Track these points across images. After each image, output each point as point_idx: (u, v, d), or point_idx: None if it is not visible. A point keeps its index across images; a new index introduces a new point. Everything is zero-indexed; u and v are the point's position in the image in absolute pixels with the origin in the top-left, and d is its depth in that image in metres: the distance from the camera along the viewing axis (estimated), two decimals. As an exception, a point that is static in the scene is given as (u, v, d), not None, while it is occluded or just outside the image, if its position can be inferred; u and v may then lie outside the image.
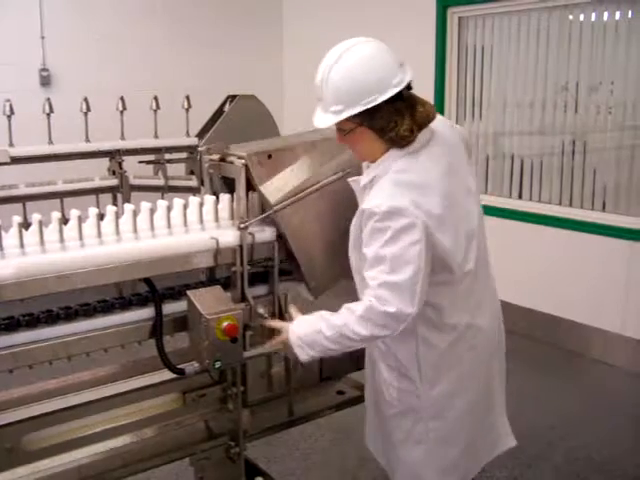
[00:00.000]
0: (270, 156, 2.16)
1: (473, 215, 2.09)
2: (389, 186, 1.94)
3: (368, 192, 2.02)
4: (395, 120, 1.93)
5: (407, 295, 1.89)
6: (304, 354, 2.05)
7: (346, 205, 2.18)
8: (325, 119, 1.98)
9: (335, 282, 2.33)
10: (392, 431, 2.23)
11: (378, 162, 2.01)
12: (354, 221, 2.05)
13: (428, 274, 1.93)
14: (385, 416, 2.24)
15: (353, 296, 2.13)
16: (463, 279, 2.05)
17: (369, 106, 1.89)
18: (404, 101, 1.95)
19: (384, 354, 2.17)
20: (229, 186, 2.27)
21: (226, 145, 2.26)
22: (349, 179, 2.16)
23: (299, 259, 2.24)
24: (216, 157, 2.26)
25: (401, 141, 1.95)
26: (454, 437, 2.19)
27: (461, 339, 2.11)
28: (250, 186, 2.18)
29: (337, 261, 2.23)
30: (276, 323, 2.18)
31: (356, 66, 1.91)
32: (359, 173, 2.17)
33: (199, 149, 2.22)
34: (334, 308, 2.38)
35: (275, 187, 2.16)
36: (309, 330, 2.03)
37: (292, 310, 2.18)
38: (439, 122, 2.10)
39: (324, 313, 2.04)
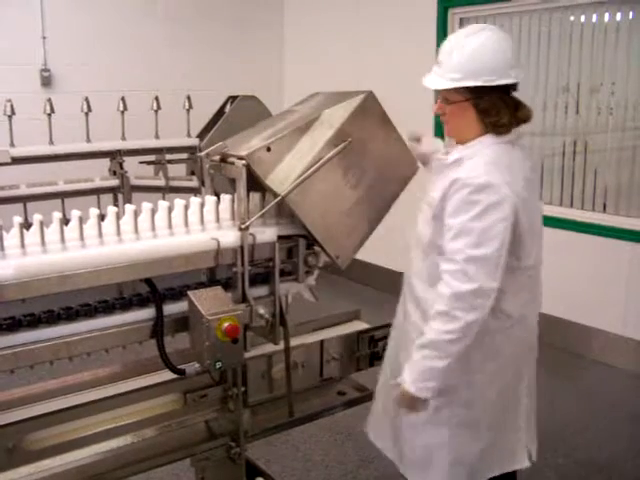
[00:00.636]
0: (269, 149, 2.16)
1: (540, 216, 2.25)
2: (484, 163, 2.04)
3: (454, 169, 2.10)
4: (499, 108, 2.07)
5: (491, 269, 1.98)
6: (427, 392, 2.09)
7: (354, 171, 2.26)
8: (439, 82, 2.10)
9: (359, 248, 2.34)
10: (413, 415, 2.25)
11: (472, 143, 2.12)
12: (437, 193, 2.12)
13: (507, 254, 2.03)
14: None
15: (354, 297, 2.13)
16: (526, 271, 2.17)
17: (486, 84, 2.02)
18: (509, 96, 2.10)
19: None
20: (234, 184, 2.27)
21: (225, 145, 2.26)
22: (435, 157, 2.29)
23: (317, 237, 2.24)
24: (216, 158, 2.26)
25: (499, 128, 2.09)
26: (476, 429, 2.24)
27: (511, 330, 2.19)
28: (252, 185, 2.18)
29: (355, 228, 2.30)
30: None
31: (489, 45, 2.06)
32: (361, 141, 2.25)
33: (200, 154, 2.21)
34: (335, 308, 2.39)
35: (280, 177, 2.16)
36: (413, 367, 2.09)
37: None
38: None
39: (412, 347, 2.10)
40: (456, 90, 2.08)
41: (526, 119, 2.14)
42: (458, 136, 2.18)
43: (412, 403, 2.13)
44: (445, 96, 2.13)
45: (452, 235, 2.02)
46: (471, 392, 2.20)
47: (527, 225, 2.09)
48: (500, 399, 2.26)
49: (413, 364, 2.09)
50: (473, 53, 2.05)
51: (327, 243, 2.26)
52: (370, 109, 2.32)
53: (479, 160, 2.06)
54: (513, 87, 2.12)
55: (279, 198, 2.14)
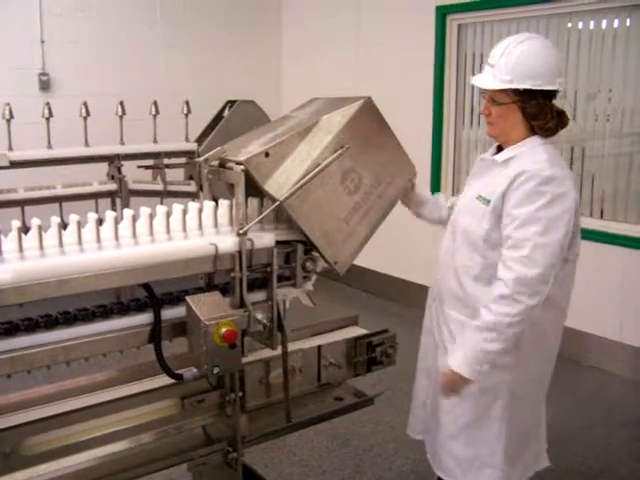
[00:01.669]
0: (268, 154, 2.16)
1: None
2: (544, 160, 2.15)
3: (505, 167, 2.21)
4: (545, 112, 2.19)
5: (555, 256, 2.11)
6: (479, 375, 2.18)
7: (352, 177, 2.27)
8: (489, 82, 2.22)
9: (357, 254, 2.35)
10: (468, 409, 2.32)
11: (522, 142, 2.22)
12: (498, 188, 2.20)
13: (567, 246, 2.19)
14: (463, 394, 2.29)
15: (352, 301, 2.14)
16: (573, 262, 2.33)
17: (533, 88, 2.16)
18: (552, 102, 2.23)
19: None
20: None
21: (224, 150, 2.26)
22: (481, 156, 2.42)
23: (315, 242, 2.24)
24: (215, 163, 2.26)
25: (545, 132, 2.20)
26: (522, 422, 2.36)
27: (556, 322, 2.32)
28: (250, 190, 2.19)
29: (353, 234, 2.31)
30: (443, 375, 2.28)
31: (538, 51, 2.18)
32: (359, 146, 2.26)
33: (198, 159, 2.22)
34: (332, 314, 2.39)
35: (279, 183, 2.16)
36: (468, 349, 2.17)
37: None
38: None
39: (468, 326, 2.21)
40: (505, 92, 2.19)
41: (565, 126, 2.27)
42: (502, 137, 2.29)
43: (458, 385, 2.21)
44: (493, 97, 2.24)
45: (518, 224, 2.12)
46: (522, 386, 2.31)
47: (578, 217, 2.26)
48: (540, 393, 2.44)
49: (468, 346, 2.17)
50: (523, 58, 2.17)
51: (325, 249, 2.26)
52: (368, 115, 2.32)
53: (538, 157, 2.16)
54: (554, 95, 2.22)
55: (277, 203, 2.14)
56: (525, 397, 2.34)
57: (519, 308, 2.09)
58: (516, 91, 2.18)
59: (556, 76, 2.19)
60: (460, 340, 2.24)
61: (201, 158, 2.28)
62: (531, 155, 2.19)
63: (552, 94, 2.22)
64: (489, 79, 2.24)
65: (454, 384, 2.22)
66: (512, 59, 2.18)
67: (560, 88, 2.22)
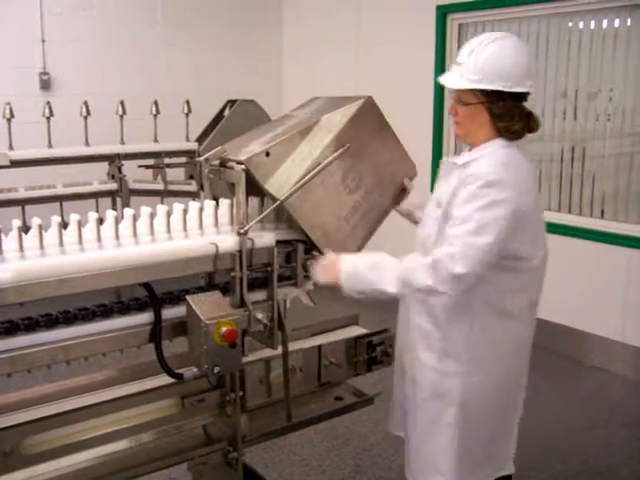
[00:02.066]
0: (268, 153, 2.16)
1: (543, 222, 2.32)
2: (496, 163, 2.08)
3: (465, 170, 2.14)
4: (513, 114, 2.11)
5: (477, 260, 2.01)
6: (348, 287, 2.15)
7: (352, 176, 2.26)
8: (456, 81, 2.13)
9: (358, 253, 2.35)
10: (418, 416, 2.28)
11: (484, 145, 2.15)
12: (448, 191, 2.15)
13: (499, 254, 2.07)
14: (416, 400, 2.29)
15: (352, 302, 2.14)
16: (528, 272, 2.19)
17: (504, 89, 2.06)
18: (522, 105, 2.15)
19: (428, 334, 2.22)
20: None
21: (224, 150, 2.25)
22: (443, 159, 2.33)
23: (316, 242, 2.25)
24: (216, 162, 2.26)
25: (511, 134, 2.13)
26: (479, 433, 2.26)
27: (513, 332, 2.22)
28: (251, 189, 2.19)
29: (353, 233, 2.31)
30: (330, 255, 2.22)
31: (509, 52, 2.10)
32: (360, 146, 2.25)
33: (199, 158, 2.21)
34: (333, 313, 2.39)
35: (279, 182, 2.16)
36: (366, 265, 2.13)
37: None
38: None
39: (385, 254, 2.15)
40: (472, 92, 2.11)
41: (536, 128, 2.19)
42: (469, 138, 2.22)
43: (329, 272, 2.17)
44: (460, 97, 2.16)
45: (453, 223, 2.07)
46: (472, 393, 2.21)
47: (536, 225, 2.18)
48: (500, 402, 2.28)
49: (367, 259, 2.14)
50: (493, 58, 2.08)
51: (326, 248, 2.26)
52: (369, 114, 2.32)
53: (491, 160, 2.10)
54: (525, 97, 2.15)
55: (278, 202, 2.14)
56: (481, 405, 2.24)
57: (428, 283, 2.02)
58: (484, 92, 2.09)
59: (526, 78, 2.11)
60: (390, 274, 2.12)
61: (202, 157, 2.28)
62: (490, 158, 2.11)
63: (522, 96, 2.14)
64: (456, 78, 2.14)
65: (328, 268, 2.18)
66: (481, 58, 2.09)
67: (531, 90, 2.13)
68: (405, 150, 2.45)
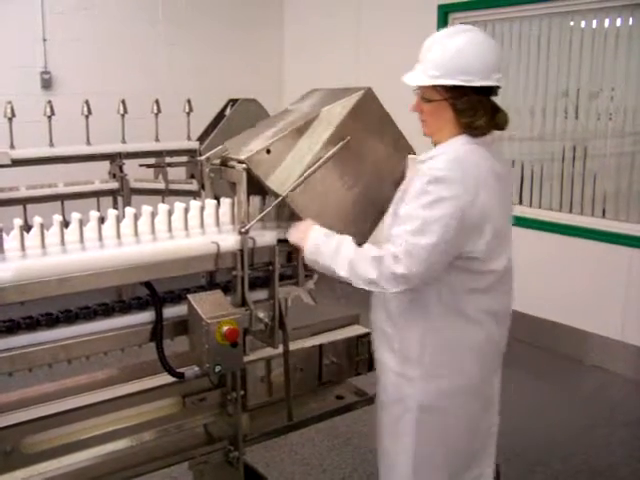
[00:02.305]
0: (269, 151, 2.15)
1: (509, 226, 2.21)
2: (448, 159, 2.00)
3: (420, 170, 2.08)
4: (477, 109, 2.02)
5: (419, 260, 1.94)
6: (308, 253, 2.13)
7: (354, 170, 2.25)
8: (417, 78, 2.06)
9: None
10: (382, 418, 2.24)
11: (447, 143, 2.07)
12: (401, 187, 2.13)
13: (449, 254, 1.98)
14: (378, 402, 2.25)
15: (353, 301, 2.13)
16: (487, 275, 2.09)
17: (464, 84, 1.97)
18: (489, 100, 2.05)
19: (389, 337, 2.18)
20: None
21: (225, 149, 2.25)
22: (409, 156, 2.25)
23: None
24: (217, 161, 2.26)
25: (475, 130, 2.04)
26: (441, 439, 2.16)
27: (474, 337, 2.12)
28: (253, 187, 2.18)
29: (356, 225, 2.28)
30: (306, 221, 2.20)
31: (472, 45, 2.01)
32: (361, 138, 2.23)
33: (200, 158, 2.20)
34: (334, 312, 2.39)
35: (281, 179, 2.15)
36: (331, 241, 2.10)
37: None
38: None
39: (350, 238, 2.11)
40: (435, 89, 2.03)
41: (503, 125, 2.10)
42: (435, 136, 2.13)
43: (299, 239, 2.16)
44: (424, 94, 2.08)
45: (399, 221, 2.02)
46: (432, 399, 2.12)
47: (494, 228, 2.04)
48: (464, 410, 2.16)
49: (333, 237, 2.11)
50: (453, 52, 2.00)
51: None
52: (369, 106, 2.29)
53: (445, 156, 2.02)
54: (494, 91, 2.07)
55: (280, 198, 2.14)
56: (441, 413, 2.14)
57: (371, 276, 1.99)
58: (446, 87, 2.01)
59: (491, 72, 2.00)
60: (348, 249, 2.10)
61: (203, 157, 2.28)
62: (446, 154, 2.03)
63: (489, 91, 2.04)
64: (417, 75, 2.07)
65: (299, 231, 2.17)
66: (440, 53, 2.02)
67: (497, 84, 2.02)
68: (407, 141, 2.41)
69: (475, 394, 2.18)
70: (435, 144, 2.14)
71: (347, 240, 2.10)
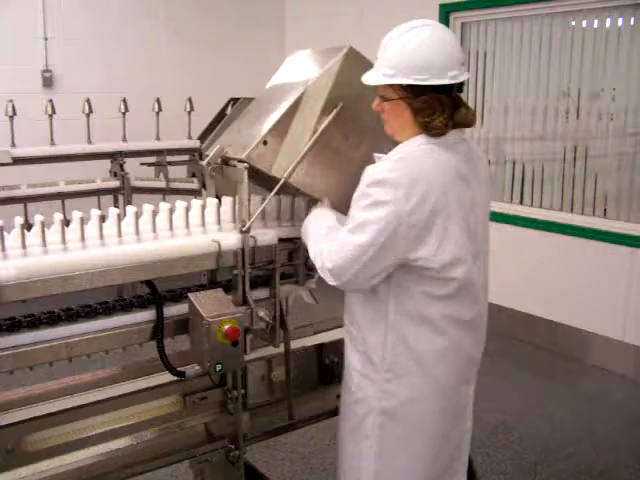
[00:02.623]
0: (265, 142, 2.14)
1: (480, 230, 2.06)
2: (396, 160, 1.94)
3: None
4: (435, 108, 1.94)
5: (346, 258, 1.92)
6: (303, 229, 2.17)
7: (356, 127, 2.22)
8: (373, 77, 2.01)
9: None
10: (345, 419, 2.19)
11: (406, 143, 2.00)
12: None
13: (386, 258, 1.91)
14: (343, 403, 2.21)
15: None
16: (447, 282, 1.97)
17: (418, 83, 1.90)
18: (449, 97, 1.96)
19: (353, 337, 2.14)
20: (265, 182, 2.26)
21: (224, 150, 2.24)
22: (375, 155, 2.12)
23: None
24: (218, 160, 2.25)
25: (432, 130, 1.96)
26: (404, 447, 2.09)
27: (433, 341, 2.01)
28: (258, 180, 2.17)
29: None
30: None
31: (425, 42, 1.94)
32: (354, 97, 2.18)
33: (201, 162, 2.19)
34: (335, 311, 2.38)
35: (284, 165, 2.13)
36: (320, 224, 2.11)
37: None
38: (471, 141, 2.17)
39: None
40: (392, 87, 1.96)
41: (465, 123, 2.01)
42: (397, 136, 2.05)
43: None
44: (382, 93, 2.02)
45: (347, 221, 2.00)
46: (394, 403, 2.06)
47: (450, 234, 1.93)
48: (428, 416, 2.07)
49: (322, 223, 2.12)
50: (407, 50, 1.93)
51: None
52: (353, 64, 2.22)
53: (394, 158, 1.95)
54: (459, 88, 1.98)
55: (282, 181, 2.11)
56: (404, 420, 2.06)
57: (318, 269, 2.03)
58: (403, 86, 1.93)
59: (447, 69, 1.91)
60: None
61: (203, 162, 2.26)
62: (397, 156, 1.96)
63: (450, 88, 1.94)
64: (373, 74, 2.01)
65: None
66: (394, 51, 1.95)
67: (451, 82, 1.92)
68: None
69: (442, 403, 2.08)
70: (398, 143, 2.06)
71: (330, 226, 2.07)
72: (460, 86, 1.98)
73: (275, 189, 2.13)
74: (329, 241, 2.01)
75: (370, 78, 2.02)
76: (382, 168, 1.92)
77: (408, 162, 1.93)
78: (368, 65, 2.18)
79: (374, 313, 2.05)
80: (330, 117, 2.16)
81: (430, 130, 1.96)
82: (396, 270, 1.95)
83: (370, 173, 1.92)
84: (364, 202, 1.91)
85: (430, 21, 2.04)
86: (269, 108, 2.27)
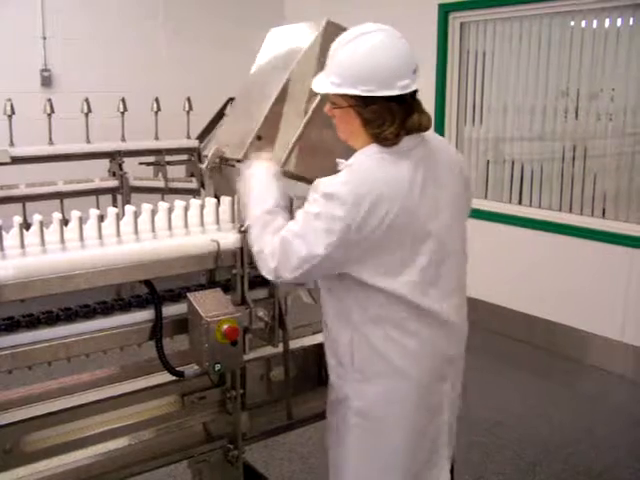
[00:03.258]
0: (260, 137, 2.13)
1: (447, 232, 2.01)
2: (348, 172, 1.89)
3: None
4: (384, 119, 1.87)
5: (293, 266, 1.90)
6: (243, 184, 2.11)
7: None
8: (322, 85, 1.94)
9: None
10: (329, 417, 2.19)
11: (359, 152, 1.95)
12: None
13: (326, 267, 1.91)
14: (327, 403, 2.20)
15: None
16: (405, 286, 1.94)
17: (364, 94, 1.84)
18: (402, 105, 1.88)
19: (327, 340, 2.13)
20: None
21: (221, 151, 2.23)
22: (337, 160, 2.04)
23: None
24: (217, 160, 2.25)
25: (383, 141, 1.90)
26: (381, 446, 2.07)
27: (402, 342, 1.98)
28: None
29: None
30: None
31: (371, 51, 1.86)
32: None
33: (201, 167, 2.18)
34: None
35: (281, 155, 2.11)
36: (266, 197, 2.05)
37: None
38: (439, 141, 2.10)
39: (277, 204, 2.04)
40: (342, 95, 1.89)
41: (418, 129, 1.92)
42: (349, 141, 2.01)
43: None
44: (332, 99, 1.95)
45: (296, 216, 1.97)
46: (367, 401, 2.04)
47: (404, 241, 1.90)
48: (403, 417, 2.05)
49: (262, 191, 2.06)
50: (354, 59, 1.85)
51: None
52: (334, 38, 2.08)
53: (348, 169, 1.90)
54: (413, 94, 1.90)
55: (281, 170, 2.09)
56: (378, 417, 2.04)
57: (255, 248, 2.00)
58: (350, 94, 1.86)
59: (397, 78, 1.83)
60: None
61: (203, 165, 2.25)
62: (349, 168, 1.90)
63: (403, 97, 1.86)
64: (322, 81, 1.93)
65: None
66: (341, 60, 1.87)
67: (400, 92, 1.84)
68: None
69: (415, 401, 2.04)
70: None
71: (278, 206, 2.03)
72: (414, 92, 1.91)
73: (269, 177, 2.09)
74: (273, 231, 1.97)
75: (318, 85, 1.95)
76: (333, 182, 1.87)
77: (359, 174, 1.88)
78: None
79: (340, 316, 2.03)
80: (317, 100, 2.10)
81: (381, 141, 1.90)
82: (353, 271, 1.92)
83: (321, 186, 1.87)
84: (313, 210, 1.88)
85: (382, 26, 1.94)
86: (258, 99, 2.23)
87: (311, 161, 2.13)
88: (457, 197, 2.08)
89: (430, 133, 2.00)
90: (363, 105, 1.87)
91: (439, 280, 2.00)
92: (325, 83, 1.92)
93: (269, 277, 1.99)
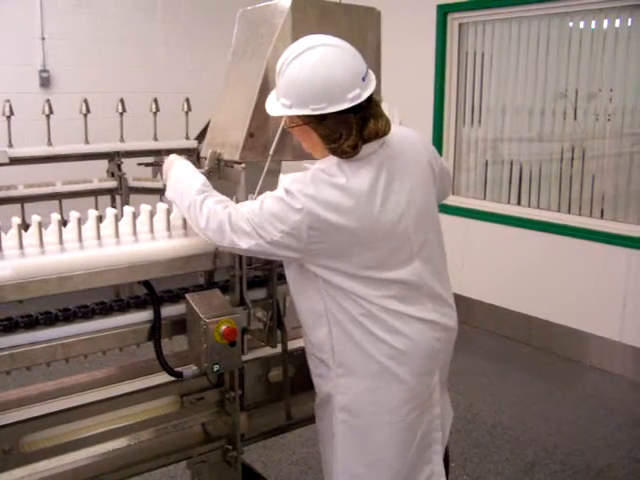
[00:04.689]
0: (252, 134, 2.13)
1: (418, 224, 1.99)
2: (310, 175, 1.87)
3: None
4: (341, 132, 1.84)
5: (243, 248, 1.90)
6: (168, 190, 2.14)
7: None
8: (274, 107, 1.93)
9: None
10: (318, 422, 2.18)
11: (319, 162, 1.94)
12: None
13: (279, 255, 1.92)
14: (315, 406, 2.19)
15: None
16: (386, 283, 1.94)
17: (315, 113, 1.82)
18: (357, 113, 1.85)
19: (306, 342, 2.12)
20: None
21: (219, 153, 2.23)
22: (304, 163, 2.06)
23: None
24: (215, 162, 2.25)
25: (342, 154, 1.87)
26: (369, 441, 2.05)
27: (383, 339, 1.96)
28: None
29: None
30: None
31: (314, 69, 1.81)
32: None
33: (202, 171, 2.18)
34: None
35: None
36: (186, 179, 2.07)
37: None
38: (405, 137, 2.06)
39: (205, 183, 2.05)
40: (294, 114, 1.88)
41: (376, 136, 1.89)
42: (313, 154, 2.00)
43: (166, 177, 2.18)
44: (286, 118, 1.94)
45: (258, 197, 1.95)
46: (351, 396, 2.02)
47: (369, 239, 1.89)
48: (391, 409, 2.02)
49: (188, 177, 2.09)
50: (296, 79, 1.82)
51: None
52: (305, 15, 2.13)
53: (310, 172, 1.88)
54: (368, 100, 1.86)
55: (268, 159, 2.08)
56: (362, 411, 2.02)
57: (202, 225, 1.97)
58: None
59: (346, 91, 1.80)
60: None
61: (203, 170, 2.24)
62: (311, 171, 1.89)
63: (355, 107, 1.83)
64: (272, 102, 1.93)
65: (165, 169, 2.20)
66: (287, 80, 1.84)
67: (352, 104, 1.81)
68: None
69: (400, 395, 2.02)
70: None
71: (202, 191, 2.03)
72: (369, 98, 1.87)
73: (264, 170, 2.08)
74: (215, 202, 1.97)
75: (271, 107, 1.95)
76: (295, 179, 1.86)
77: (326, 180, 1.86)
78: (320, 5, 2.10)
79: (313, 312, 2.00)
80: None
81: (340, 155, 1.88)
82: (322, 270, 1.91)
83: (287, 178, 1.88)
84: (273, 197, 1.87)
85: (323, 38, 1.87)
86: (242, 91, 2.21)
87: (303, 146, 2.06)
88: (427, 191, 2.06)
89: (394, 131, 1.96)
90: (317, 122, 1.86)
91: (417, 274, 1.98)
92: (276, 105, 1.91)
93: (212, 242, 1.98)
